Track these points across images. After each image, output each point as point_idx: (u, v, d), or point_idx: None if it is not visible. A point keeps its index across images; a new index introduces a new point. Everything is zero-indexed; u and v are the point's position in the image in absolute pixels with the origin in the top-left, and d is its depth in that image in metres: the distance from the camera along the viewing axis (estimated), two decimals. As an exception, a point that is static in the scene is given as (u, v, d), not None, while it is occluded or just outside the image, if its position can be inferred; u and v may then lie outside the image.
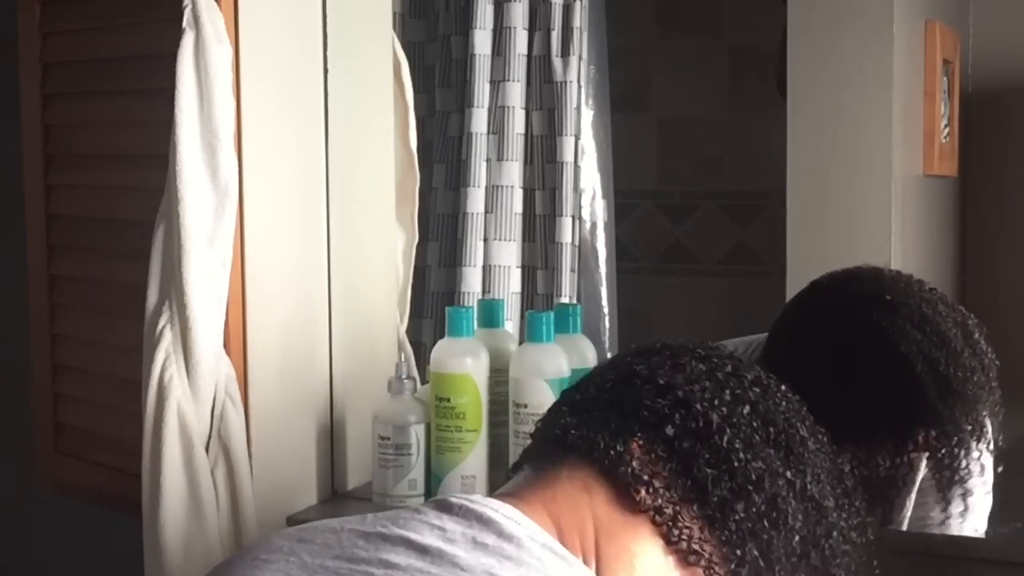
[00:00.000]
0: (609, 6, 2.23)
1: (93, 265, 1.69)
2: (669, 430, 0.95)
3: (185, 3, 1.39)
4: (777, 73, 2.05)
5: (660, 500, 0.94)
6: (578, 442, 0.97)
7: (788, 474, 0.96)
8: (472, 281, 2.10)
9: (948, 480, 1.51)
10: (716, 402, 0.97)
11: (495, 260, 2.11)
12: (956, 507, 1.53)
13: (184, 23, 1.39)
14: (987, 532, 1.60)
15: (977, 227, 2.14)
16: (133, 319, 1.46)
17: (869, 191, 1.92)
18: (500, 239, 2.11)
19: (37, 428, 1.78)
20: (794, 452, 0.98)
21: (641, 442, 0.95)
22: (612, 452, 0.95)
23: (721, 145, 2.65)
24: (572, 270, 2.11)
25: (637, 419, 0.96)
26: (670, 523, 0.93)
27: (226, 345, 1.44)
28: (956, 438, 1.49)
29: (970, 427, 1.49)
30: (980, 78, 2.10)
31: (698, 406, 0.96)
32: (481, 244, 2.11)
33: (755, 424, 0.97)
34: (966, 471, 1.50)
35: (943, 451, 1.50)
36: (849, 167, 1.93)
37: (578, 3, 2.09)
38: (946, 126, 2.06)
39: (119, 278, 1.62)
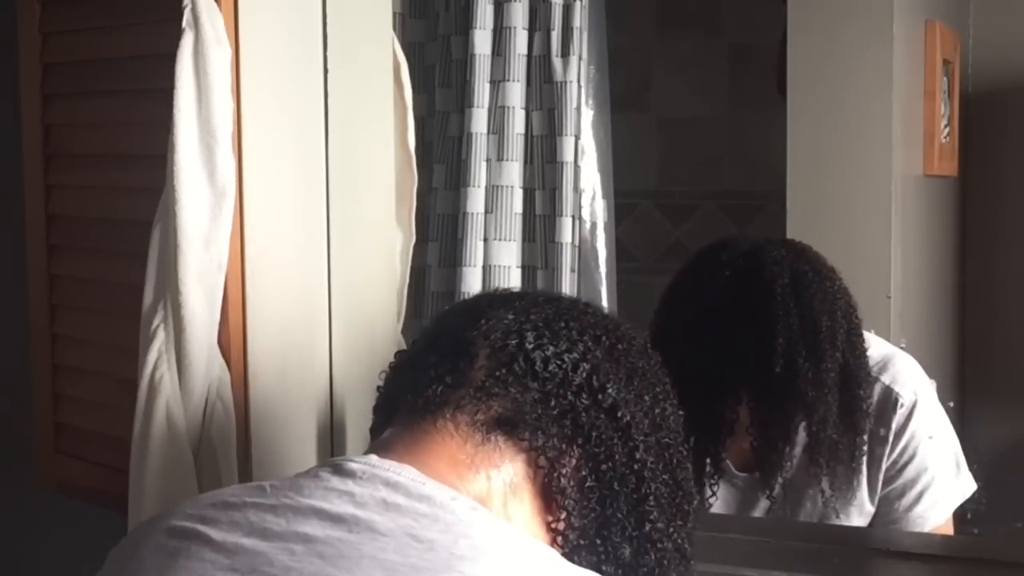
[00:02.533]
0: (609, 6, 2.24)
1: (93, 265, 1.68)
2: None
3: (185, 3, 1.39)
4: (777, 73, 2.06)
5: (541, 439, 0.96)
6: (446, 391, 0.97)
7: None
8: (472, 281, 2.10)
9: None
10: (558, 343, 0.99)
11: (495, 260, 2.11)
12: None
13: (184, 23, 1.39)
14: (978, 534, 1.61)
15: (977, 227, 2.14)
16: (133, 319, 1.45)
17: (869, 191, 1.93)
18: (500, 239, 2.11)
19: (37, 428, 1.77)
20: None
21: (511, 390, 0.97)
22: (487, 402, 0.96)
23: (721, 145, 2.65)
24: (572, 270, 2.11)
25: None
26: (548, 461, 0.95)
27: (226, 345, 1.44)
28: (776, 427, 1.53)
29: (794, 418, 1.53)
30: (980, 78, 2.10)
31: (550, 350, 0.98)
32: (481, 244, 2.11)
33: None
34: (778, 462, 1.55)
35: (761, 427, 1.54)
36: (849, 167, 1.94)
37: (578, 3, 2.09)
38: (946, 126, 2.06)
39: (119, 278, 1.61)
